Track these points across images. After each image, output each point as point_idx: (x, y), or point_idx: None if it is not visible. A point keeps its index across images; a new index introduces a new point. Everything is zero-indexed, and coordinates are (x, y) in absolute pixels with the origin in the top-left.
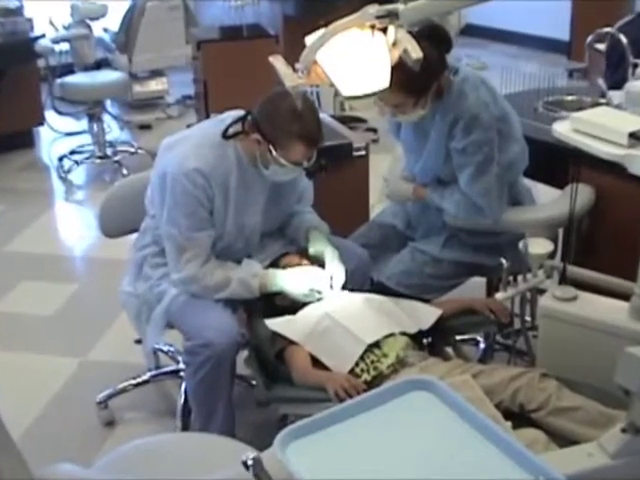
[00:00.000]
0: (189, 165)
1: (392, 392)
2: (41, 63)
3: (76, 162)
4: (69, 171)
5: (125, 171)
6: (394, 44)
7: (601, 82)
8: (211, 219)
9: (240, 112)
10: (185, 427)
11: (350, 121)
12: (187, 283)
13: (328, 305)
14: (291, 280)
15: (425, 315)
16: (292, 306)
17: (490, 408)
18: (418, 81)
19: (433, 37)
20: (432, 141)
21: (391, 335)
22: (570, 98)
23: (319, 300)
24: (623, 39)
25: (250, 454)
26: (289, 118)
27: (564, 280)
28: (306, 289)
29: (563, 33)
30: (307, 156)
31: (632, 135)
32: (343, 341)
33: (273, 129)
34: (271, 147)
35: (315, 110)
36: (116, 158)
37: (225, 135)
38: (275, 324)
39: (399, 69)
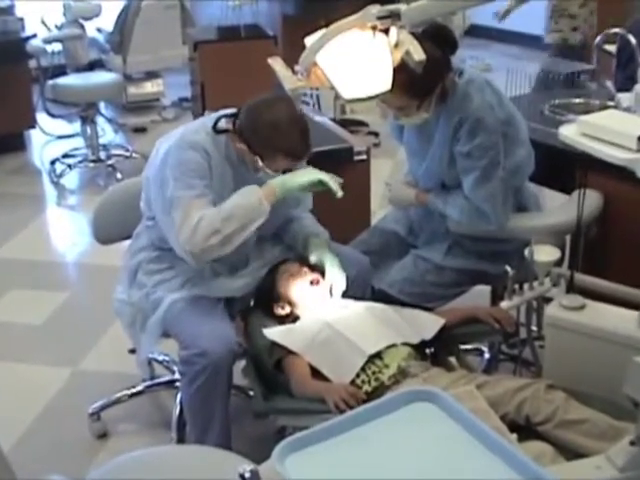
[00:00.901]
0: (190, 138)
1: (394, 403)
2: (32, 64)
3: (69, 166)
4: (61, 175)
5: (119, 175)
6: (396, 45)
7: (609, 84)
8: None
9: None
10: (180, 439)
11: (351, 124)
12: (195, 232)
13: (328, 314)
14: (297, 173)
15: (427, 324)
16: (291, 315)
17: (495, 420)
18: (422, 83)
19: (437, 38)
20: (436, 144)
21: (393, 345)
22: (577, 101)
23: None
24: (632, 39)
25: (247, 467)
26: (271, 133)
27: (571, 288)
28: (313, 177)
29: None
30: (293, 167)
31: None
32: (344, 352)
33: (256, 142)
34: (256, 158)
35: (301, 121)
36: (110, 162)
37: (215, 128)
38: (274, 333)
39: (402, 71)
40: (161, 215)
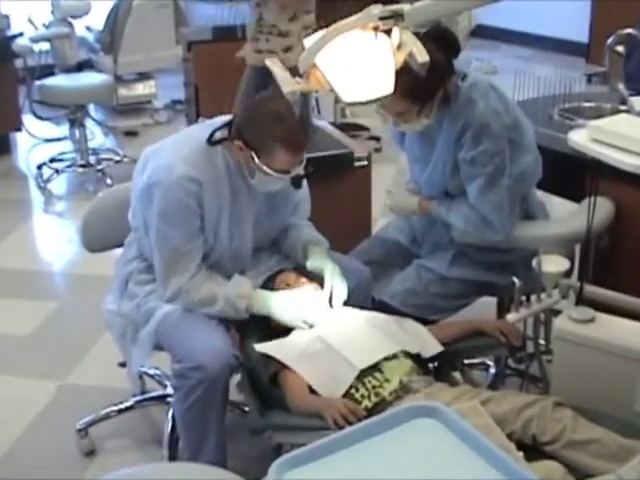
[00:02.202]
0: (179, 171)
1: (395, 419)
2: (19, 64)
3: (56, 171)
4: (48, 180)
5: (109, 181)
6: (399, 47)
7: (622, 87)
8: (203, 227)
9: (230, 117)
10: (173, 457)
11: (351, 129)
12: (174, 298)
13: (323, 326)
14: (281, 304)
15: (427, 344)
16: (286, 327)
17: (500, 436)
18: (423, 88)
19: (440, 40)
20: (438, 151)
21: (394, 358)
22: (588, 105)
23: (310, 327)
24: None
25: None
26: (270, 122)
27: (581, 300)
28: (297, 317)
29: (581, 34)
30: (292, 163)
31: None
32: (333, 365)
33: (254, 135)
34: (254, 154)
35: (298, 115)
36: (100, 167)
37: (210, 141)
38: (265, 347)
39: (403, 74)
40: (152, 241)
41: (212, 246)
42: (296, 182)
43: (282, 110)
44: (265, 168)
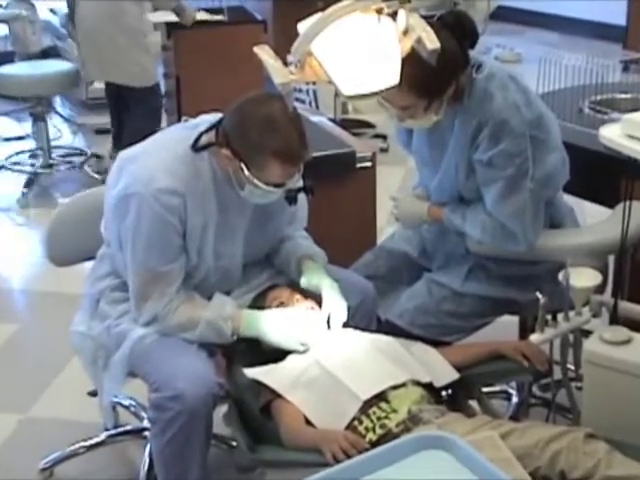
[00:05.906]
0: (159, 183)
1: (401, 451)
2: None
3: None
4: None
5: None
6: (405, 32)
7: None
8: (184, 246)
9: (218, 116)
10: None
11: (354, 126)
12: (149, 324)
13: (320, 350)
14: (273, 325)
15: (440, 371)
16: (280, 351)
17: (520, 471)
18: (432, 81)
19: (455, 27)
20: (451, 152)
21: (402, 386)
22: (624, 96)
23: (306, 351)
24: None
25: None
26: (262, 130)
27: (615, 319)
28: (291, 338)
29: (618, 16)
30: (286, 176)
31: None
32: (333, 395)
33: (244, 144)
34: (242, 165)
35: (297, 119)
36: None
37: (195, 147)
38: (255, 372)
39: (410, 64)
40: (127, 260)
41: (196, 265)
42: (291, 197)
43: (276, 115)
44: (256, 181)
